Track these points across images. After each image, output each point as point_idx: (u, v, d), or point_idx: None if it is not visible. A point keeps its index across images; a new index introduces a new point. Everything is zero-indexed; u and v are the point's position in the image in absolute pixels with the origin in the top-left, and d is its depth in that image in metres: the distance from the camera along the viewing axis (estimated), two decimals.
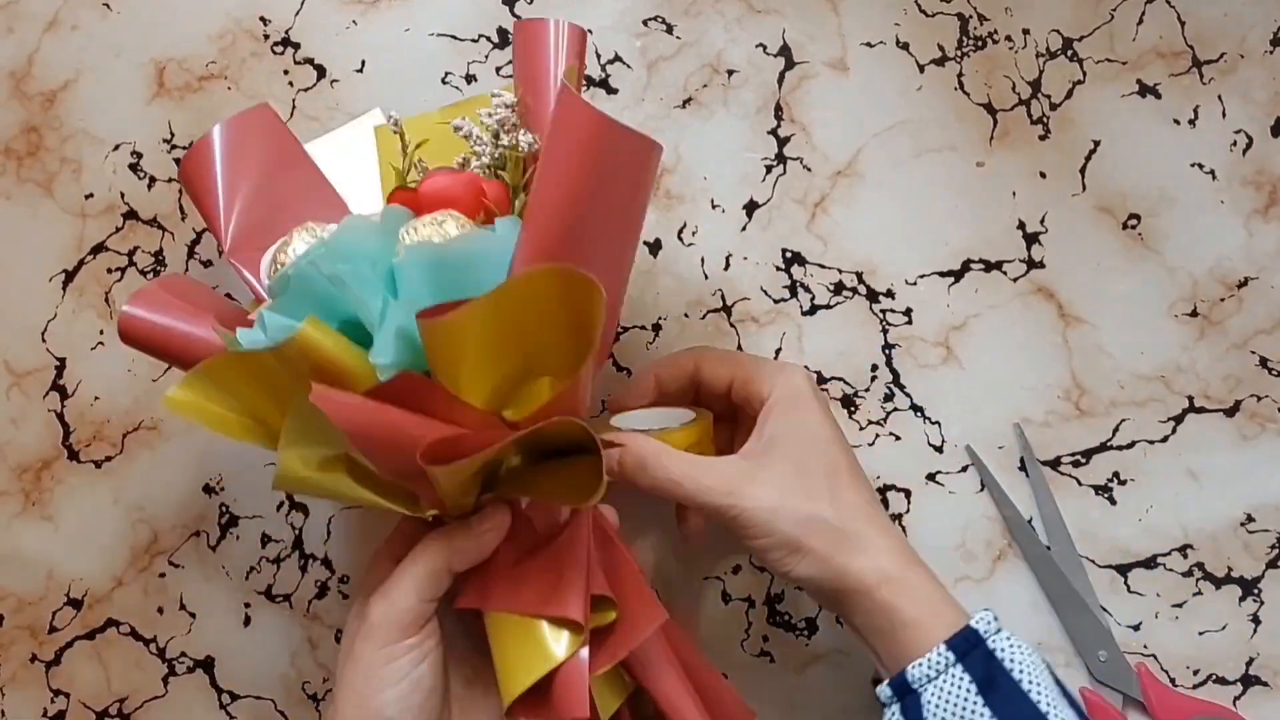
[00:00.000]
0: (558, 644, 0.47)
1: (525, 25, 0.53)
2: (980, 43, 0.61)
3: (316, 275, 0.44)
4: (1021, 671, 0.47)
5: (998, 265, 0.60)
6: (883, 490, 0.60)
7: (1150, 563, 0.59)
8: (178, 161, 0.63)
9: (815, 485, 0.51)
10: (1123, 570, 0.59)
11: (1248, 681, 0.58)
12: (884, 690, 0.49)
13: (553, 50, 0.51)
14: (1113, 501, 0.59)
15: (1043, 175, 0.60)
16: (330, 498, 0.48)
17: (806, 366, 0.61)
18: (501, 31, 0.62)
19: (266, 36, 0.63)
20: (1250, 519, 0.59)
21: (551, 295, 0.44)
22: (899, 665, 0.48)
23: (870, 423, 0.60)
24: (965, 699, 0.46)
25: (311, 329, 0.43)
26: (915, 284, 0.60)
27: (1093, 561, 0.59)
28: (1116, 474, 0.59)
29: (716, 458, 0.52)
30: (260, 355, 0.44)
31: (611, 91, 0.62)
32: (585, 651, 0.48)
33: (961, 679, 0.47)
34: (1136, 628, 0.59)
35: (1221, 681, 0.58)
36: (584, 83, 0.53)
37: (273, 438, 0.45)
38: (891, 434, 0.60)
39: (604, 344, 0.50)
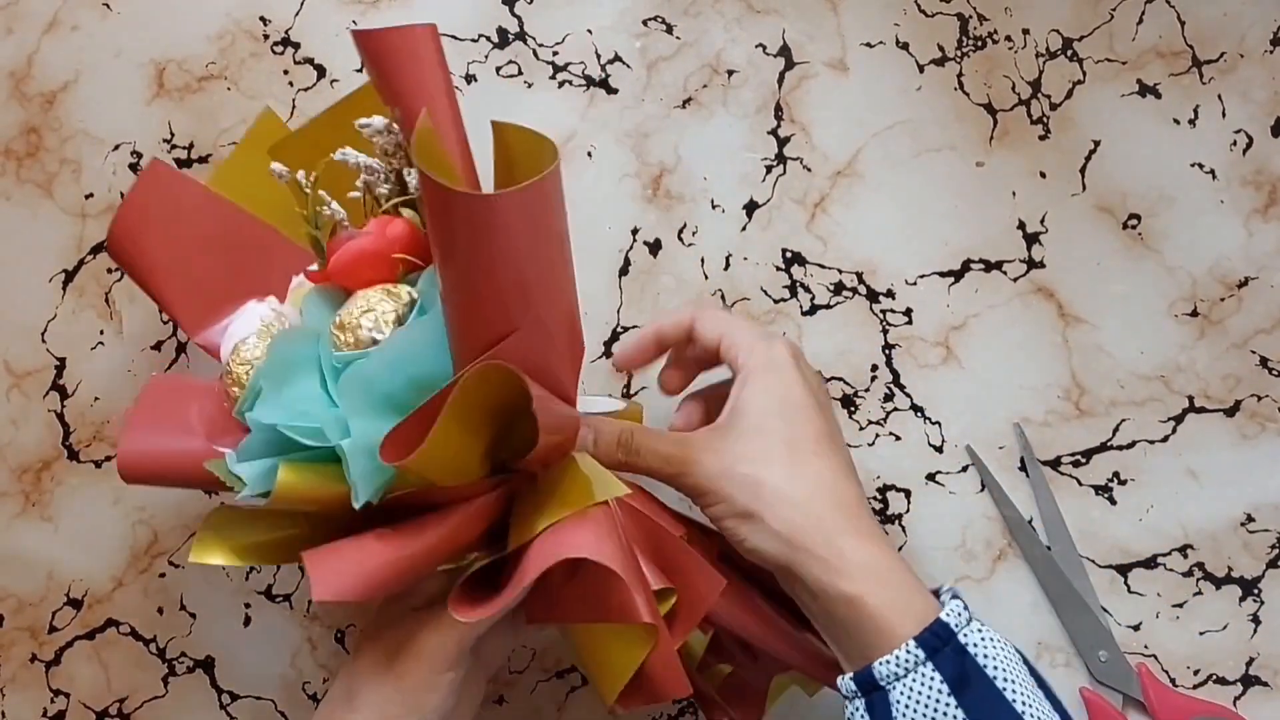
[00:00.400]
0: (638, 640, 0.47)
1: (368, 38, 0.48)
2: (980, 43, 0.61)
3: (268, 425, 0.45)
4: (996, 668, 0.45)
5: (998, 265, 0.60)
6: (883, 490, 0.60)
7: (1150, 563, 0.59)
8: (178, 161, 0.63)
9: (772, 451, 0.48)
10: (1123, 570, 0.59)
11: (1248, 681, 0.58)
12: (846, 683, 0.46)
13: (411, 59, 0.48)
14: (1113, 501, 0.59)
15: (1043, 175, 0.60)
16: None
17: None
18: (501, 31, 0.62)
19: (266, 36, 0.63)
20: (1250, 519, 0.59)
21: (488, 388, 0.43)
22: (863, 659, 0.46)
23: (870, 423, 0.60)
24: (937, 700, 0.44)
25: (287, 475, 0.43)
26: (915, 284, 0.60)
27: (1093, 561, 0.59)
28: (1116, 474, 0.59)
29: (678, 433, 0.51)
30: (260, 512, 0.45)
31: (611, 91, 0.62)
32: (665, 633, 0.47)
33: (932, 678, 0.44)
34: (1136, 628, 0.59)
35: (1221, 681, 0.58)
36: (454, 88, 0.50)
37: (299, 551, 0.45)
38: (891, 434, 0.60)
39: (575, 341, 0.50)
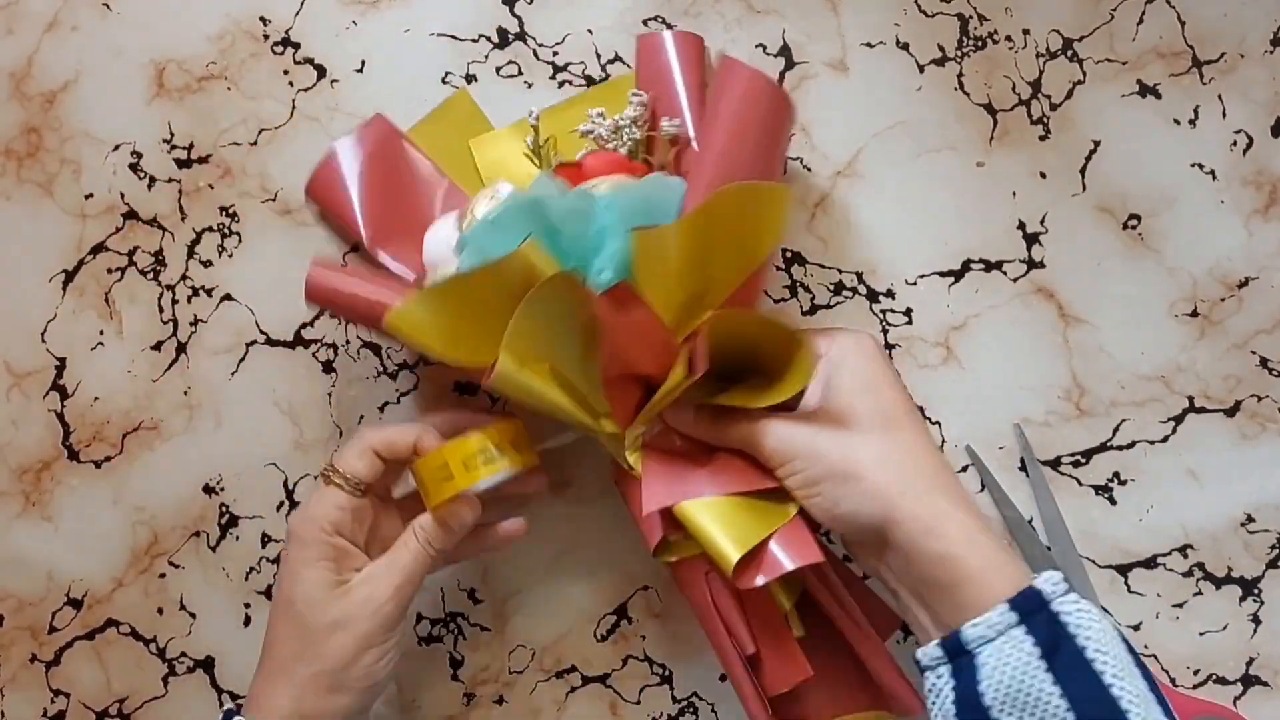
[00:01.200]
0: (780, 508, 0.51)
1: (646, 39, 0.58)
2: (980, 43, 0.61)
3: (525, 209, 0.51)
4: (1088, 638, 0.43)
5: (998, 265, 0.60)
6: None
7: (1150, 563, 0.59)
8: (178, 162, 0.63)
9: (865, 420, 0.49)
10: (1123, 570, 0.59)
11: (1248, 681, 0.58)
12: (930, 651, 0.45)
13: (674, 57, 0.57)
14: (1113, 501, 0.59)
15: (1043, 175, 0.60)
16: (530, 399, 0.51)
17: None
18: (501, 31, 0.62)
19: (266, 37, 0.63)
20: (1250, 519, 0.59)
21: (742, 211, 0.50)
22: (953, 621, 0.45)
23: None
24: (1026, 664, 0.42)
25: (531, 248, 0.49)
26: (915, 284, 0.60)
27: (1093, 561, 0.59)
28: (1117, 474, 0.59)
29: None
30: (481, 272, 0.49)
31: None
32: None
33: (1023, 642, 0.43)
34: (1137, 628, 0.59)
35: (1222, 681, 0.58)
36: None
37: (472, 355, 0.50)
38: None
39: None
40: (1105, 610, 0.59)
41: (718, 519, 0.51)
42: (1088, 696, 0.42)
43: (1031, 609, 0.43)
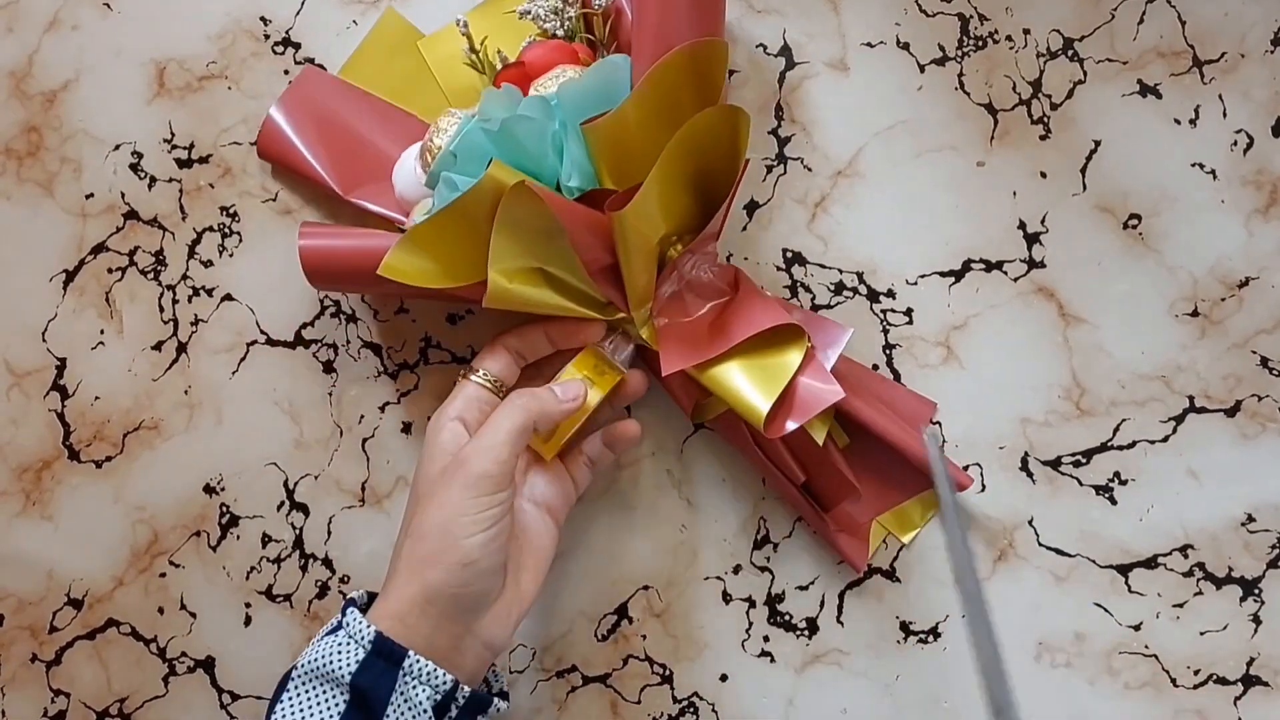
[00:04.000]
0: (790, 355, 0.54)
1: None
2: (981, 42, 0.61)
3: (483, 134, 0.52)
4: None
5: (998, 265, 0.60)
6: None
7: (1151, 563, 0.59)
8: (178, 161, 0.63)
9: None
10: (1123, 570, 0.59)
11: (1249, 681, 0.58)
12: None
13: None
14: (1113, 501, 0.59)
15: (1043, 175, 0.60)
16: (531, 308, 0.53)
17: None
18: None
19: (267, 36, 0.63)
20: (1251, 519, 0.59)
21: (683, 72, 0.51)
22: None
23: None
24: None
25: (498, 168, 0.50)
26: (916, 284, 0.60)
27: (1093, 561, 0.59)
28: (1117, 474, 0.59)
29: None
30: (459, 204, 0.50)
31: None
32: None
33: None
34: (1137, 628, 0.59)
35: (1222, 681, 0.58)
36: None
37: (473, 275, 0.52)
38: None
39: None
40: (1108, 610, 0.59)
41: (741, 376, 0.54)
42: None
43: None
